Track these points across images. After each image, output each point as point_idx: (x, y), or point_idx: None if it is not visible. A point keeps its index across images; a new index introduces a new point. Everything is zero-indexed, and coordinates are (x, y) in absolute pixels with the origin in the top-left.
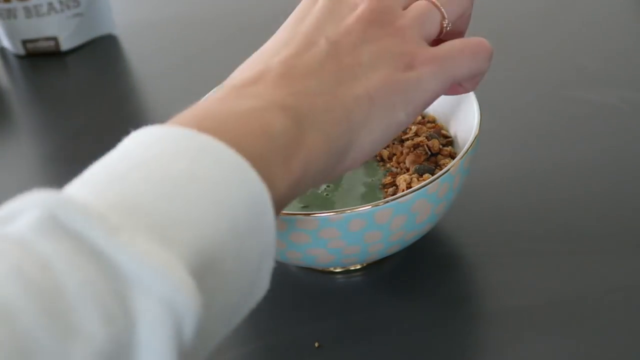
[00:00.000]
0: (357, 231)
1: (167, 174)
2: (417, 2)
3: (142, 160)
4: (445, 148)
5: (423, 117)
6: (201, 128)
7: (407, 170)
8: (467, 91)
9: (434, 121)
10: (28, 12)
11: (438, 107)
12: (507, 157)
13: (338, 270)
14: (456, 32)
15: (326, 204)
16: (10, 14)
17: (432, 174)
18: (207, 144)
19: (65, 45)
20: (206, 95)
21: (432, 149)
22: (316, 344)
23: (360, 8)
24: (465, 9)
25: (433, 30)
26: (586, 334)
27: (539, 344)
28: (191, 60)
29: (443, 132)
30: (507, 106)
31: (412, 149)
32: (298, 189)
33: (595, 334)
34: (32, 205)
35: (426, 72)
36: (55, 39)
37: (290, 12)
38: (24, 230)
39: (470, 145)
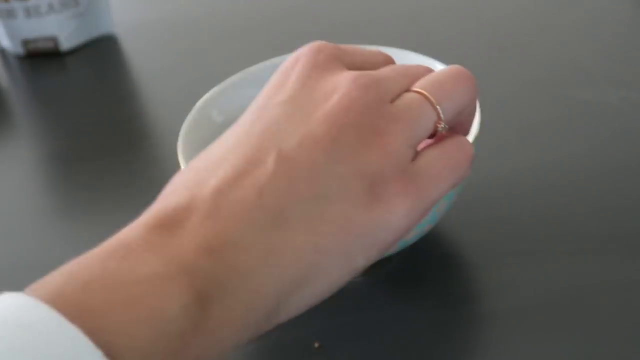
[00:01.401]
0: None
1: None
2: (409, 95)
3: None
4: None
5: None
6: (82, 301)
7: None
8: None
9: None
10: (28, 11)
11: None
12: (507, 157)
13: None
14: (457, 129)
15: None
16: (10, 14)
17: None
18: (57, 332)
19: (64, 45)
20: (204, 98)
21: None
22: (316, 344)
23: (336, 99)
24: (464, 105)
25: (424, 135)
26: (586, 334)
27: (539, 344)
28: (191, 60)
29: None
30: (507, 106)
31: None
32: None
33: (595, 334)
34: None
35: (398, 207)
36: (54, 38)
37: (289, 13)
38: None
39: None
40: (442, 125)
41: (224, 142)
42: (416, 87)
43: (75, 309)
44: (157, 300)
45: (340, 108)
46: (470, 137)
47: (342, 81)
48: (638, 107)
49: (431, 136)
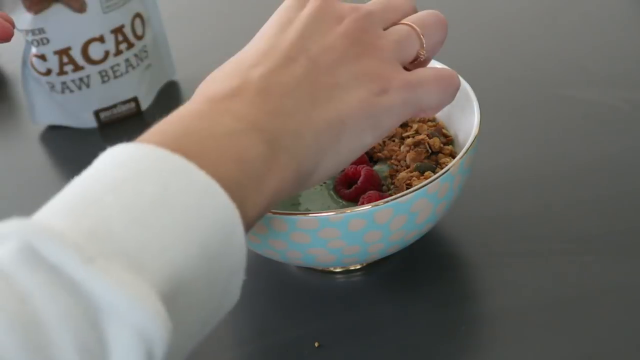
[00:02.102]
0: (357, 231)
1: (139, 199)
2: (399, 26)
3: (115, 182)
4: (446, 147)
5: None
6: (177, 147)
7: (408, 167)
8: (428, 117)
9: (434, 120)
10: (104, 75)
11: None
12: (507, 157)
13: (338, 270)
14: (424, 61)
15: (319, 201)
16: (82, 83)
17: (434, 172)
18: (179, 167)
19: (144, 104)
20: None
21: (432, 147)
22: (316, 344)
23: (346, 23)
24: (442, 40)
25: (409, 57)
26: (586, 333)
27: (539, 344)
28: None
29: (444, 131)
30: (507, 106)
31: (412, 146)
32: (267, 209)
33: (595, 333)
34: (10, 234)
35: (399, 98)
36: (135, 99)
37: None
38: (2, 262)
39: (471, 145)
40: (424, 53)
41: (255, 47)
42: (405, 21)
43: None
44: (239, 147)
45: (350, 28)
46: (471, 136)
47: (348, 10)
48: (638, 107)
49: (413, 63)
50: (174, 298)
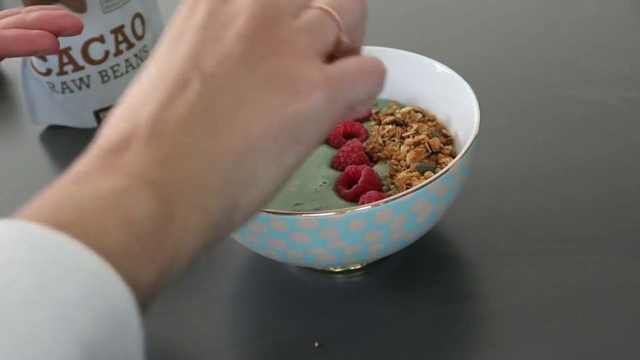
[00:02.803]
0: (357, 231)
1: (10, 295)
2: (309, 10)
3: None
4: (446, 147)
5: (424, 116)
6: (58, 220)
7: (408, 167)
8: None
9: (434, 120)
10: (104, 75)
11: (438, 106)
12: (507, 157)
13: (338, 270)
14: (351, 50)
15: (320, 200)
16: (83, 83)
17: (434, 172)
18: (60, 249)
19: None
20: None
21: (432, 147)
22: (316, 344)
23: (241, 19)
24: (360, 18)
25: (328, 44)
26: (586, 333)
27: (539, 344)
28: None
29: (444, 131)
30: (507, 106)
31: (412, 146)
32: (170, 273)
33: (594, 333)
34: None
35: (319, 99)
36: None
37: None
38: None
39: (470, 145)
40: (345, 37)
41: (148, 74)
42: (316, 4)
43: (54, 227)
44: (126, 209)
45: (248, 26)
46: (471, 136)
47: (244, 4)
48: (638, 107)
49: (339, 52)
50: None
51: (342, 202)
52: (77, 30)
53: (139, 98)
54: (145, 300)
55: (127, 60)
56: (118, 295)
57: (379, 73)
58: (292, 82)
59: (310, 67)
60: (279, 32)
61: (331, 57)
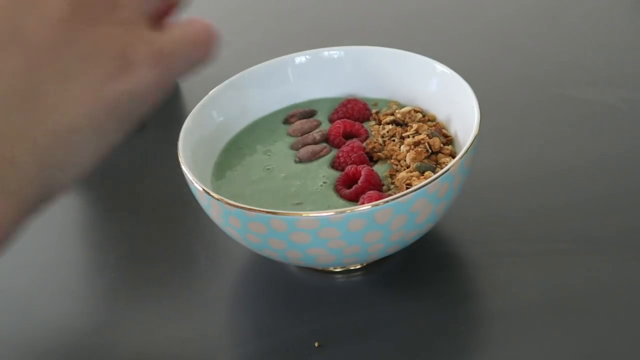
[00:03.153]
0: (357, 231)
1: None
2: None
3: None
4: (446, 147)
5: (424, 116)
6: None
7: (408, 167)
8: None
9: (434, 120)
10: None
11: (438, 106)
12: (507, 157)
13: (338, 270)
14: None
15: (320, 200)
16: None
17: (434, 172)
18: None
19: None
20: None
21: (432, 147)
22: (316, 344)
23: None
24: None
25: (156, 5)
26: (586, 333)
27: (539, 344)
28: None
29: (444, 131)
30: (507, 106)
31: (412, 146)
32: None
33: (595, 333)
34: None
35: (146, 77)
36: None
37: (289, 13)
38: None
39: (470, 145)
40: None
41: None
42: None
43: None
44: None
45: None
46: (470, 136)
47: None
48: (638, 107)
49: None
50: None
51: (342, 202)
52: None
53: None
54: None
55: None
56: None
57: (208, 41)
58: (118, 56)
59: (138, 38)
60: None
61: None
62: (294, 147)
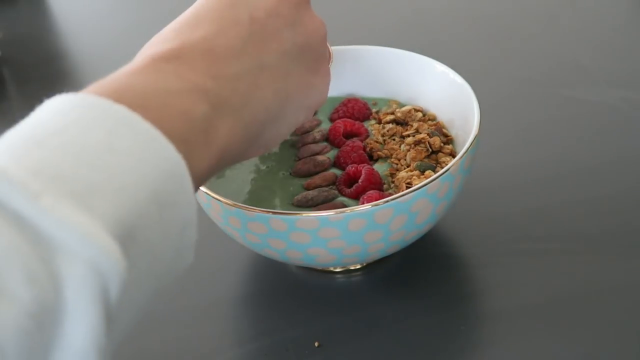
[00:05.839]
0: (357, 231)
1: (85, 143)
2: None
3: (59, 127)
4: (447, 146)
5: (424, 115)
6: (119, 100)
7: (408, 166)
8: None
9: (434, 119)
10: None
11: (438, 106)
12: (507, 156)
13: (338, 270)
14: None
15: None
16: None
17: (434, 171)
18: (123, 116)
19: None
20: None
21: (433, 147)
22: (316, 344)
23: None
24: None
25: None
26: (586, 333)
27: (539, 344)
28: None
29: (444, 130)
30: (507, 106)
31: (413, 145)
32: (215, 170)
33: (595, 333)
34: None
35: (324, 84)
36: None
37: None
38: None
39: (470, 145)
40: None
41: (195, 10)
42: None
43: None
44: (184, 105)
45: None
46: (471, 136)
47: None
48: (637, 107)
49: None
50: (125, 242)
51: (342, 200)
52: None
53: (186, 25)
54: (196, 184)
55: None
56: (175, 162)
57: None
58: (318, 59)
59: (325, 53)
60: (310, 13)
61: None
62: (295, 146)
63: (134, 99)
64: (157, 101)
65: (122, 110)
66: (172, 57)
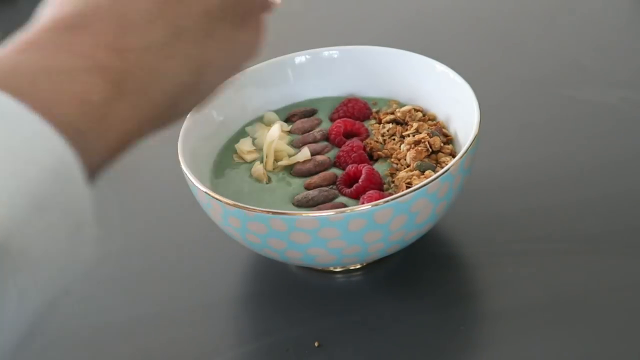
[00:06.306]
0: (357, 231)
1: None
2: None
3: None
4: (447, 146)
5: (424, 115)
6: (6, 85)
7: (408, 166)
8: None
9: (434, 119)
10: None
11: (438, 106)
12: (507, 156)
13: (338, 270)
14: None
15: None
16: None
17: (434, 171)
18: (6, 107)
19: None
20: None
21: (433, 146)
22: (316, 344)
23: None
24: None
25: None
26: (586, 333)
27: (539, 344)
28: None
29: (444, 130)
30: (507, 106)
31: (413, 145)
32: (118, 154)
33: (595, 333)
34: None
35: (254, 37)
36: None
37: (289, 13)
38: None
39: (470, 145)
40: None
41: None
42: None
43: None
44: (79, 88)
45: None
46: (471, 136)
47: None
48: (637, 107)
49: None
50: (4, 257)
51: (342, 200)
52: None
53: None
54: (96, 170)
55: None
56: (64, 156)
57: None
58: (245, 13)
59: (259, 4)
60: None
61: None
62: (295, 146)
63: (21, 84)
64: (48, 85)
65: (4, 101)
66: (73, 25)
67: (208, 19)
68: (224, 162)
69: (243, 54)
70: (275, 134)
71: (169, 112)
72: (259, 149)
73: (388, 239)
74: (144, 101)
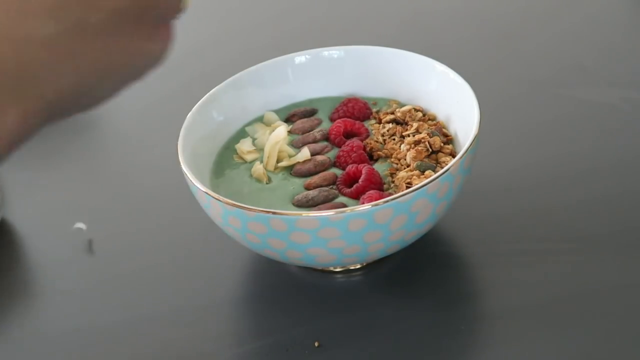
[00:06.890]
0: (357, 231)
1: None
2: None
3: None
4: (447, 146)
5: (424, 115)
6: None
7: (408, 166)
8: None
9: (434, 119)
10: None
11: (438, 106)
12: (507, 156)
13: (338, 270)
14: None
15: None
16: None
17: (434, 171)
18: None
19: None
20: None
21: (433, 146)
22: (316, 344)
23: None
24: None
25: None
26: (586, 333)
27: (539, 344)
28: (191, 59)
29: (444, 130)
30: (508, 106)
31: (413, 145)
32: (8, 155)
33: (595, 333)
34: None
35: (162, 48)
36: None
37: (289, 13)
38: None
39: (470, 145)
40: None
41: None
42: None
43: None
44: None
45: None
46: (471, 136)
47: None
48: (638, 107)
49: None
50: None
51: (342, 200)
52: None
53: None
54: None
55: None
56: None
57: None
58: (146, 16)
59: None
60: None
61: None
62: (295, 146)
63: None
64: None
65: None
66: None
67: (116, 19)
68: (224, 162)
69: (148, 62)
70: (281, 135)
71: (63, 114)
72: (259, 149)
73: (388, 239)
74: (37, 102)
